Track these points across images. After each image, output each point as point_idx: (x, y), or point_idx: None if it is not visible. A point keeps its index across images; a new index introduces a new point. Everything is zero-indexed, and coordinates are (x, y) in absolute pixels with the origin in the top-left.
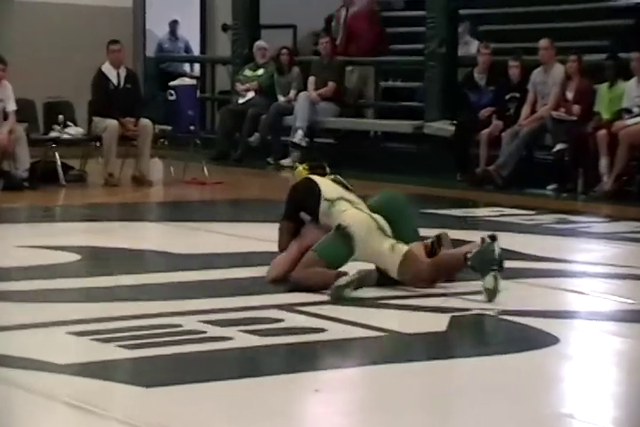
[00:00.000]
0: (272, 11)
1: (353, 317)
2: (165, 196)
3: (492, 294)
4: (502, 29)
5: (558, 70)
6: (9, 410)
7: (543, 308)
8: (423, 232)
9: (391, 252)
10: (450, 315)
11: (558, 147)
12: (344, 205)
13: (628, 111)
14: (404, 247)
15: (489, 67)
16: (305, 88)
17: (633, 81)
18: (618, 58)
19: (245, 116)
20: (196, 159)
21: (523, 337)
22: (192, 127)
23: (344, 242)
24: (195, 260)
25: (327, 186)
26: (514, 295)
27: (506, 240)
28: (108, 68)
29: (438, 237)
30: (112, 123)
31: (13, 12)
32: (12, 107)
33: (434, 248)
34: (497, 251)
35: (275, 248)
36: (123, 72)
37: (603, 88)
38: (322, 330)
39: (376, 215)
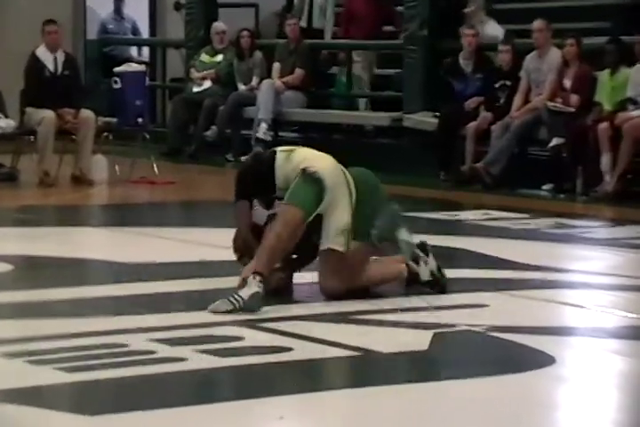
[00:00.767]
0: None
1: (323, 334)
2: (110, 197)
3: (408, 248)
4: (491, 9)
5: (554, 55)
6: None
7: (537, 323)
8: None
9: (339, 235)
10: (432, 331)
11: (554, 142)
12: (305, 151)
13: (633, 101)
14: (350, 242)
15: (475, 51)
16: (269, 75)
17: (637, 67)
18: (621, 41)
19: (201, 106)
20: (145, 156)
21: (514, 356)
22: (140, 119)
23: (312, 188)
24: (142, 270)
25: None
26: (504, 309)
27: (495, 247)
28: (43, 53)
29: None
30: (48, 114)
31: None
32: None
33: (411, 272)
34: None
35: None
36: (60, 57)
37: (604, 75)
38: (288, 349)
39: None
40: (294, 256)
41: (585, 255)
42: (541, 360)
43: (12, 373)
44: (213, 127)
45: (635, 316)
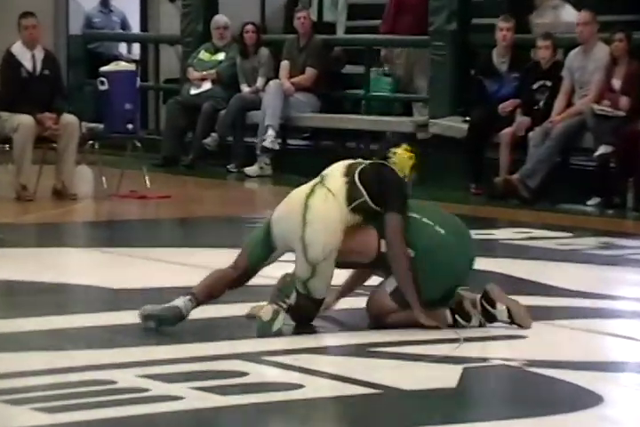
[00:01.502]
0: None
1: (337, 369)
2: (95, 214)
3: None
4: None
5: (601, 52)
6: None
7: (581, 357)
8: None
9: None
10: (462, 366)
11: (602, 150)
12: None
13: None
14: None
15: (511, 47)
16: (276, 76)
17: None
18: None
19: (199, 111)
20: (136, 166)
21: (555, 395)
22: (130, 125)
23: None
24: (133, 296)
25: None
26: (543, 341)
27: (533, 270)
28: (19, 50)
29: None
30: (25, 120)
31: None
32: None
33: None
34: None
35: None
36: (39, 54)
37: None
38: (298, 386)
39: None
40: None
41: (636, 280)
42: (587, 400)
43: None
44: (213, 134)
45: None
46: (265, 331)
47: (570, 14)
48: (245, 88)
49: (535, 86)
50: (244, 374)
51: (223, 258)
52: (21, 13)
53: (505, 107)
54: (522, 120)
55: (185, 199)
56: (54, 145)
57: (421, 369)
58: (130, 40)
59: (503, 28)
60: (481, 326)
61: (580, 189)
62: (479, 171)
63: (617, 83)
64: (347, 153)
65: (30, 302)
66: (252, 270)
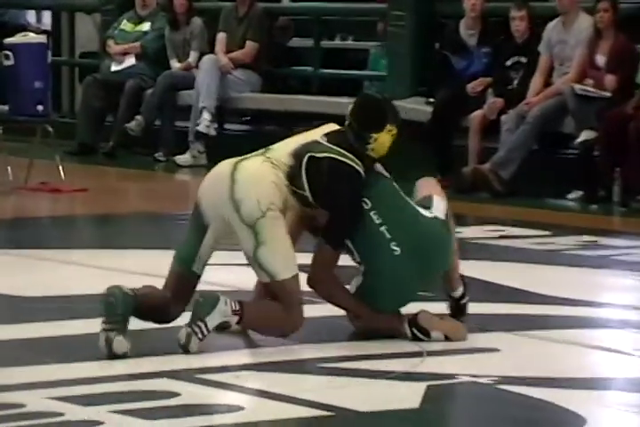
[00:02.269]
0: None
1: (283, 388)
2: (0, 210)
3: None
4: None
5: (584, 24)
6: None
7: (561, 373)
8: None
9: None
10: (425, 384)
11: (584, 136)
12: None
13: None
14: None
15: (482, 18)
16: (211, 50)
17: None
18: None
19: (122, 90)
20: (47, 155)
21: (531, 416)
22: (40, 107)
23: (192, 223)
24: (45, 305)
25: None
26: (518, 355)
27: (507, 274)
28: None
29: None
30: None
31: None
32: None
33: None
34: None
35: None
36: None
37: None
38: (237, 408)
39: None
40: None
41: (623, 285)
42: (568, 421)
43: None
44: (138, 117)
45: None
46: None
47: None
48: (175, 64)
49: (509, 63)
50: (174, 394)
51: (149, 261)
52: None
53: (474, 86)
54: (493, 101)
55: (105, 193)
56: None
57: (379, 388)
58: (39, 7)
59: None
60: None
61: (560, 181)
62: (445, 160)
63: (601, 59)
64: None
65: None
66: (188, 274)
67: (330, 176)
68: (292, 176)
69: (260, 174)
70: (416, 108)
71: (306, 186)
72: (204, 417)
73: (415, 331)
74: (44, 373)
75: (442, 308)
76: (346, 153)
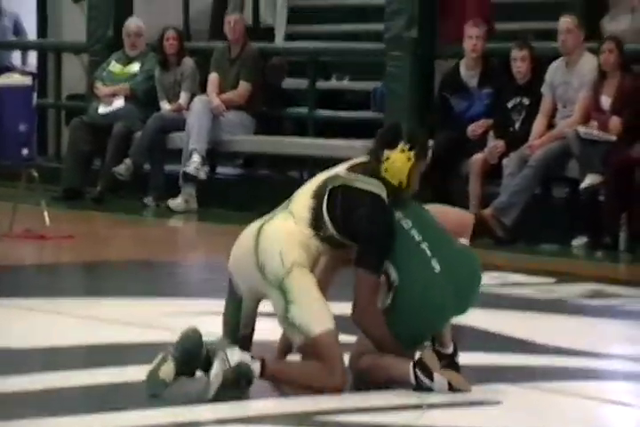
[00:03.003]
0: None
1: None
2: None
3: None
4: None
5: (588, 65)
6: None
7: None
8: None
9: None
10: None
11: (589, 180)
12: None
13: None
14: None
15: (483, 59)
16: (202, 91)
17: None
18: None
19: (110, 133)
20: (32, 200)
21: None
22: (25, 151)
23: (228, 294)
24: (30, 357)
25: None
26: (521, 408)
27: (510, 323)
28: None
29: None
30: None
31: None
32: None
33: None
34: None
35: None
36: None
37: None
38: None
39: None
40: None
41: (628, 336)
42: None
43: None
44: (127, 161)
45: None
46: (151, 382)
47: None
48: (166, 106)
49: (510, 105)
50: None
51: (137, 310)
52: None
53: (475, 129)
54: (494, 145)
55: (92, 240)
56: None
57: None
58: (25, 48)
59: (472, 36)
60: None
61: (564, 227)
62: (445, 204)
63: (606, 101)
64: (288, 184)
65: None
66: (237, 340)
67: (350, 203)
68: (316, 220)
69: (280, 233)
70: None
71: (329, 225)
72: None
73: (419, 372)
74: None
75: None
76: (366, 179)
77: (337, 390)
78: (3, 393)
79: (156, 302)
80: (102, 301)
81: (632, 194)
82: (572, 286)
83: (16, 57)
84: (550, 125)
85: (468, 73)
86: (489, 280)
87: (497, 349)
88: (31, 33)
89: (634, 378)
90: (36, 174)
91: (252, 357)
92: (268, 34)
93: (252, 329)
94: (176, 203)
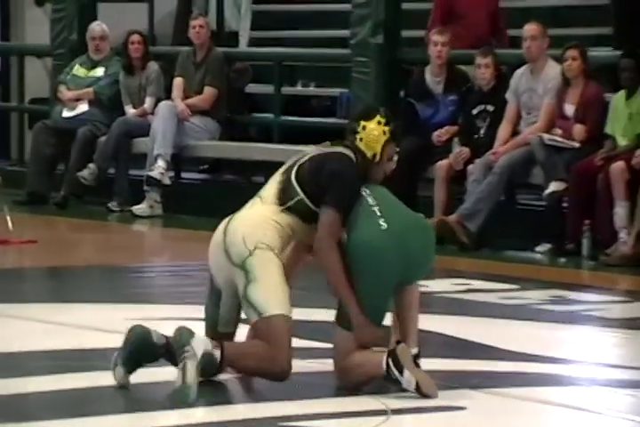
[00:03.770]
0: None
1: None
2: None
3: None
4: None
5: (552, 72)
6: None
7: None
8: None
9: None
10: None
11: (552, 187)
12: None
13: None
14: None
15: (448, 66)
16: (167, 96)
17: None
18: None
19: (74, 137)
20: None
21: None
22: None
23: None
24: None
25: None
26: (485, 413)
27: (473, 329)
28: None
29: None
30: None
31: None
32: None
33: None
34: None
35: None
36: None
37: (618, 99)
38: None
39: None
40: None
41: (592, 341)
42: None
43: None
44: (91, 166)
45: None
46: (181, 393)
47: None
48: (130, 110)
49: (475, 111)
50: None
51: (102, 316)
52: None
53: (440, 135)
54: (459, 151)
55: (55, 244)
56: None
57: None
58: None
59: (438, 43)
60: (418, 390)
61: (528, 234)
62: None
63: (570, 108)
64: (253, 189)
65: None
66: (219, 334)
67: (320, 164)
68: (283, 191)
69: (247, 217)
70: None
71: (298, 189)
72: None
73: (390, 363)
74: None
75: None
76: (336, 148)
77: (283, 373)
78: None
79: (121, 307)
80: (66, 306)
81: (594, 201)
82: (536, 292)
83: None
84: (515, 132)
85: (434, 79)
86: (453, 286)
87: (461, 354)
88: None
89: (597, 384)
90: None
91: (213, 345)
92: (232, 39)
93: (234, 329)
94: (141, 208)
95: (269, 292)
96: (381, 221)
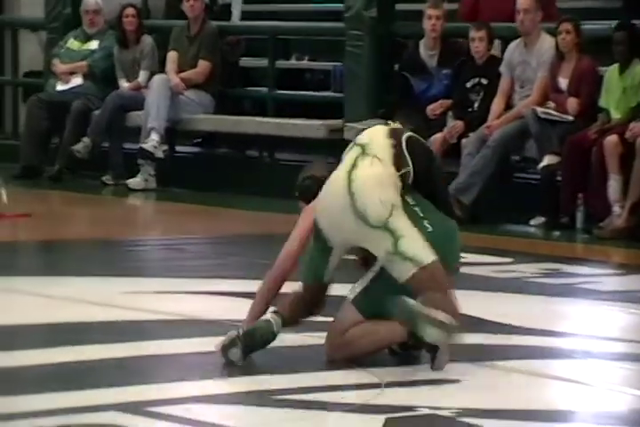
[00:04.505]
0: None
1: (237, 421)
2: None
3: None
4: None
5: (546, 45)
6: None
7: (524, 405)
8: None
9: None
10: (384, 416)
11: (546, 161)
12: (352, 152)
13: None
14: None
15: (442, 39)
16: (162, 69)
17: None
18: (635, 27)
19: (68, 111)
20: None
21: None
22: None
23: (315, 244)
24: None
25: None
26: (480, 386)
27: (468, 302)
28: None
29: None
30: None
31: None
32: None
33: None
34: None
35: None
36: None
37: (612, 72)
38: None
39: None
40: None
41: (586, 314)
42: None
43: None
44: (85, 139)
45: None
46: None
47: None
48: (124, 84)
49: (469, 85)
50: None
51: (96, 289)
52: None
53: (434, 109)
54: (454, 124)
55: (49, 218)
56: None
57: (336, 420)
58: None
59: (432, 16)
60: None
61: (522, 207)
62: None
63: (563, 82)
64: (247, 163)
65: None
66: (322, 285)
67: (426, 149)
68: (397, 157)
69: (375, 178)
70: None
71: (409, 161)
72: None
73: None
74: None
75: None
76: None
77: (456, 315)
78: None
79: (115, 280)
80: (60, 279)
81: (587, 174)
82: (530, 266)
83: None
84: (508, 106)
85: (428, 53)
86: None
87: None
88: None
89: (591, 356)
90: None
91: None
92: (225, 12)
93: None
94: (135, 182)
95: (418, 243)
96: (426, 223)
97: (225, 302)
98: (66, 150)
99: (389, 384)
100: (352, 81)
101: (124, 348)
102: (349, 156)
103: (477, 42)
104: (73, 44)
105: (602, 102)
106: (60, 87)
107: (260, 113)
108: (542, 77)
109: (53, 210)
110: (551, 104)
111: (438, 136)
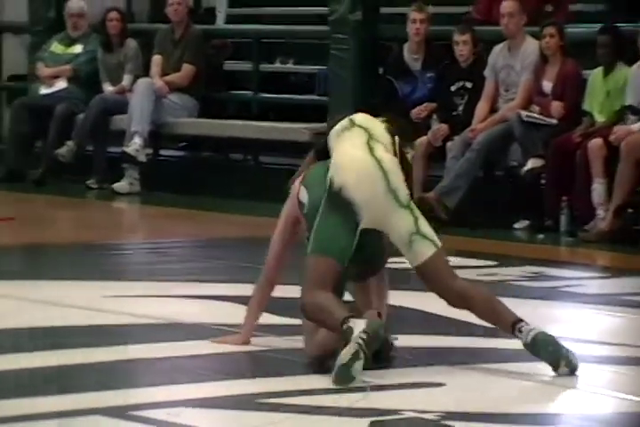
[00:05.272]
0: None
1: (221, 425)
2: None
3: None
4: None
5: (530, 48)
6: None
7: (508, 409)
8: None
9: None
10: (368, 420)
11: (531, 164)
12: (356, 132)
13: (634, 110)
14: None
15: (426, 42)
16: (146, 73)
17: None
18: (618, 30)
19: (52, 114)
20: None
21: None
22: None
23: (340, 217)
24: None
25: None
26: (464, 389)
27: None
28: None
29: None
30: None
31: None
32: None
33: None
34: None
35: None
36: None
37: (596, 76)
38: None
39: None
40: None
41: (570, 317)
42: None
43: None
44: (69, 143)
45: (636, 398)
46: (343, 375)
47: None
48: (108, 87)
49: (453, 88)
50: None
51: (80, 293)
52: None
53: (418, 112)
54: (438, 128)
55: (33, 222)
56: None
57: (321, 423)
58: None
59: (416, 20)
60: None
61: (507, 210)
62: None
63: (547, 85)
64: (231, 166)
65: None
66: (343, 268)
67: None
68: (393, 146)
69: (394, 162)
70: None
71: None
72: None
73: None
74: None
75: None
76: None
77: None
78: None
79: (99, 284)
80: (44, 283)
81: (572, 177)
82: (514, 269)
83: None
84: (493, 109)
85: (412, 56)
86: None
87: (439, 331)
88: None
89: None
90: None
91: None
92: (209, 15)
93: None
94: (120, 185)
95: (429, 226)
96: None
97: (209, 305)
98: (50, 154)
99: (374, 388)
100: (336, 84)
101: (107, 352)
102: (355, 136)
103: (461, 45)
104: (57, 47)
105: (586, 106)
106: (44, 91)
107: (244, 116)
108: (526, 81)
109: (37, 214)
110: (535, 108)
111: (423, 139)
